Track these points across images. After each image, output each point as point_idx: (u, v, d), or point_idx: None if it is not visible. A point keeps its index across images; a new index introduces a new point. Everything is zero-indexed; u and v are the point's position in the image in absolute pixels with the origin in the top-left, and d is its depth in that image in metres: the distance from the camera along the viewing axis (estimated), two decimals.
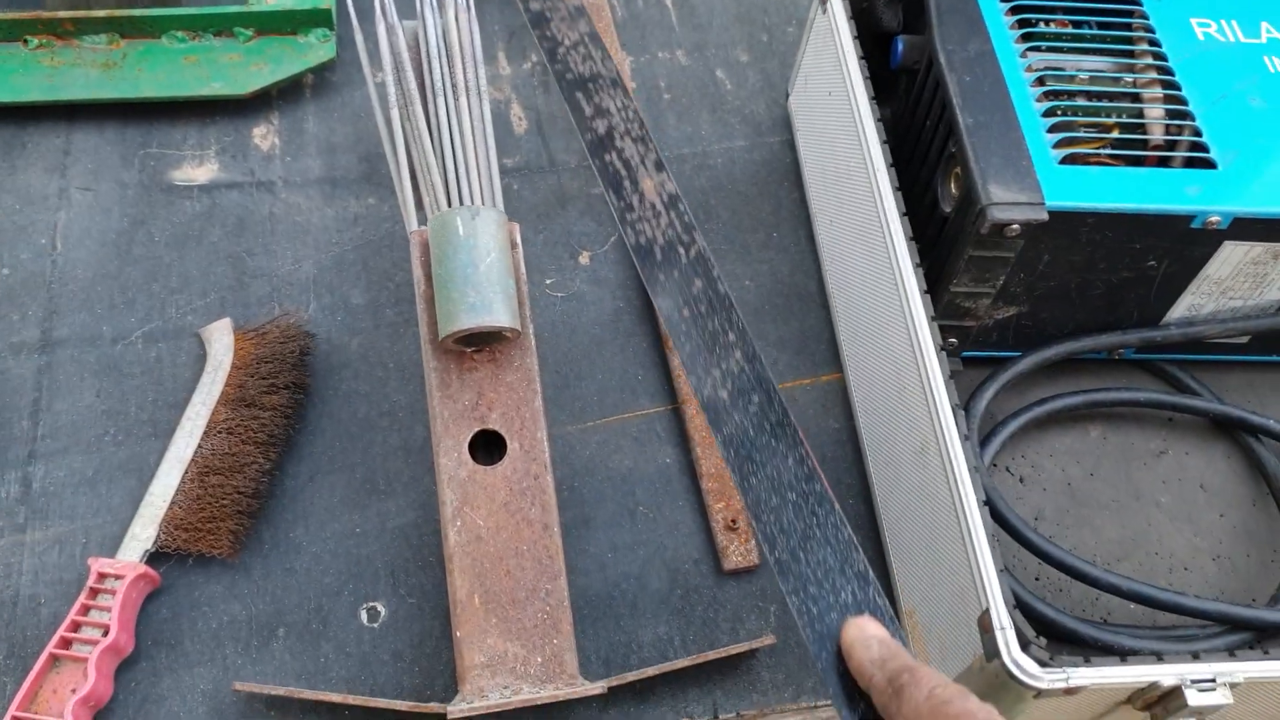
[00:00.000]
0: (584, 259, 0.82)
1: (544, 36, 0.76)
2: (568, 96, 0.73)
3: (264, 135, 0.84)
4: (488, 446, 0.63)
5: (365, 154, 0.84)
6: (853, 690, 0.49)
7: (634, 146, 0.70)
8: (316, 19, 0.85)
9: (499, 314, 0.60)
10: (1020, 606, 0.64)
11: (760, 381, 0.60)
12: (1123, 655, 0.64)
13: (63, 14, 0.82)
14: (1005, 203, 0.64)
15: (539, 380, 0.64)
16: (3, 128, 0.82)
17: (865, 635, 0.49)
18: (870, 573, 0.53)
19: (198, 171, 0.82)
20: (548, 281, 0.81)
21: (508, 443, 0.62)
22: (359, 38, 0.68)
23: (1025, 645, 0.56)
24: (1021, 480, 0.74)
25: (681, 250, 0.65)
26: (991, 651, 0.56)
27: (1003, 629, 0.56)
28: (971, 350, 0.76)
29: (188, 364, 0.73)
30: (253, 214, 0.80)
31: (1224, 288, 0.72)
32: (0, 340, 0.73)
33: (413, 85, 0.69)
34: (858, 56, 0.75)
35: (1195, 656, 0.57)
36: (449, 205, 0.65)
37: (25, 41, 0.83)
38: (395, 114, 0.68)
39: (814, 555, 0.54)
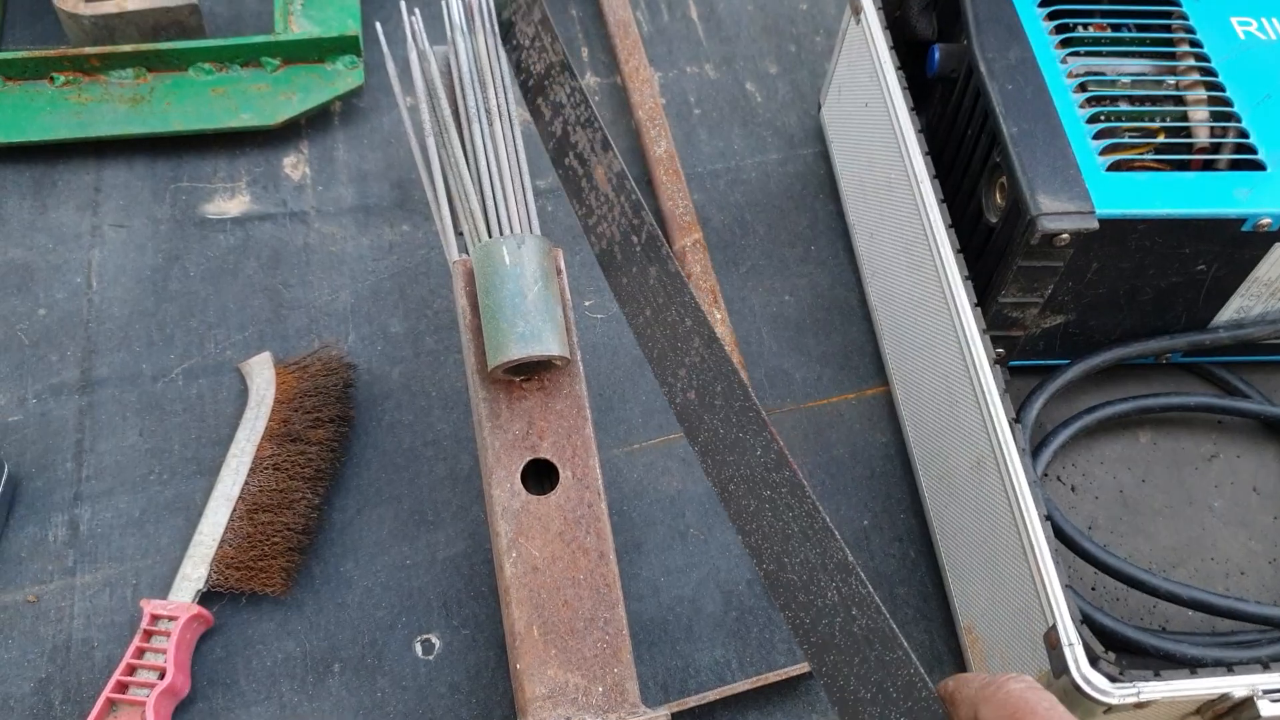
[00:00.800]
0: None
1: (512, 47, 0.73)
2: (531, 105, 0.70)
3: (294, 165, 0.84)
4: (539, 476, 0.63)
5: (397, 181, 0.84)
6: (889, 689, 0.45)
7: (584, 133, 0.66)
8: (344, 46, 0.85)
9: (549, 343, 0.60)
10: (1081, 618, 0.64)
11: (720, 366, 0.55)
12: (1186, 664, 0.63)
13: (88, 50, 0.82)
14: (1055, 212, 0.63)
15: (589, 407, 0.63)
16: (33, 166, 0.82)
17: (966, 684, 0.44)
18: (852, 561, 0.48)
19: (230, 204, 0.81)
20: (587, 303, 0.80)
21: (560, 471, 0.62)
22: (390, 66, 0.68)
23: (1094, 661, 0.55)
24: (1073, 489, 0.74)
25: (635, 239, 0.61)
26: (1060, 668, 0.55)
27: (1070, 645, 0.55)
28: (1018, 359, 0.75)
29: (229, 399, 0.73)
30: (287, 245, 0.80)
31: (1274, 289, 0.71)
32: (40, 382, 0.73)
33: (447, 112, 0.68)
34: (895, 67, 0.74)
35: (1265, 666, 0.57)
36: (488, 233, 0.65)
37: (52, 79, 0.82)
38: (431, 142, 0.68)
39: (796, 556, 0.50)
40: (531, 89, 0.70)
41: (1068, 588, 0.57)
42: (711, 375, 0.55)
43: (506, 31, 0.72)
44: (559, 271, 0.65)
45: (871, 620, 0.47)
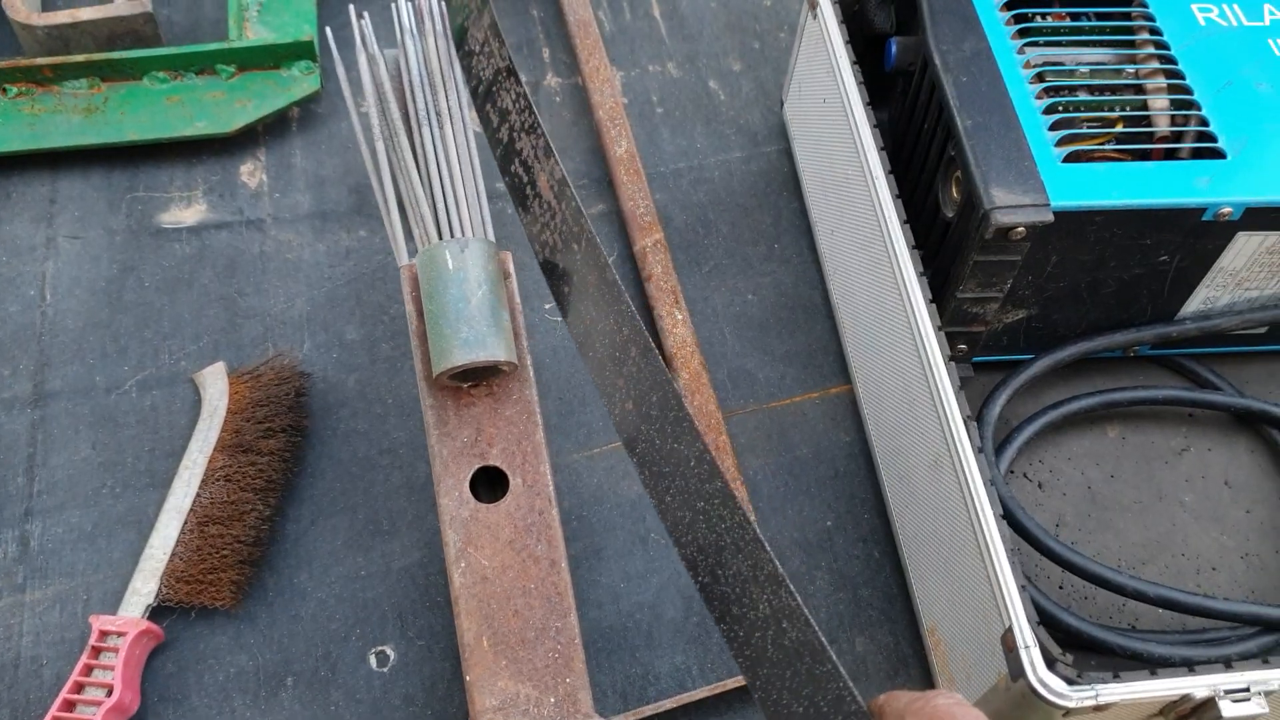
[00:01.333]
0: None
1: (465, 53, 0.71)
2: (480, 112, 0.69)
3: (251, 172, 0.83)
4: (490, 483, 0.62)
5: (354, 185, 0.83)
6: (819, 703, 0.44)
7: (528, 139, 0.64)
8: (299, 51, 0.84)
9: (493, 348, 0.59)
10: (1044, 618, 0.63)
11: (655, 376, 0.53)
12: (1152, 664, 0.62)
13: (41, 60, 0.81)
14: (1008, 205, 0.62)
15: (539, 412, 0.62)
16: None
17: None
18: (781, 573, 0.46)
19: (186, 213, 0.81)
20: (546, 307, 0.79)
21: (510, 478, 0.61)
22: (340, 69, 0.67)
23: (1051, 663, 0.54)
24: (1040, 486, 0.72)
25: (575, 247, 0.59)
26: (1016, 671, 0.54)
27: (1027, 647, 0.54)
28: (982, 355, 0.74)
29: (183, 411, 0.72)
30: (243, 253, 0.79)
31: (1239, 279, 0.70)
32: None
33: (396, 116, 0.67)
34: (850, 62, 0.73)
35: (1228, 665, 0.55)
36: (439, 236, 0.64)
37: (4, 90, 0.82)
38: (380, 146, 0.67)
39: (729, 569, 0.49)
40: (480, 95, 0.68)
41: (1024, 589, 0.55)
42: (648, 385, 0.53)
43: (460, 39, 0.71)
44: (508, 275, 0.64)
45: (801, 633, 0.45)
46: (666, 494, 0.52)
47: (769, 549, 0.47)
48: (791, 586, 0.46)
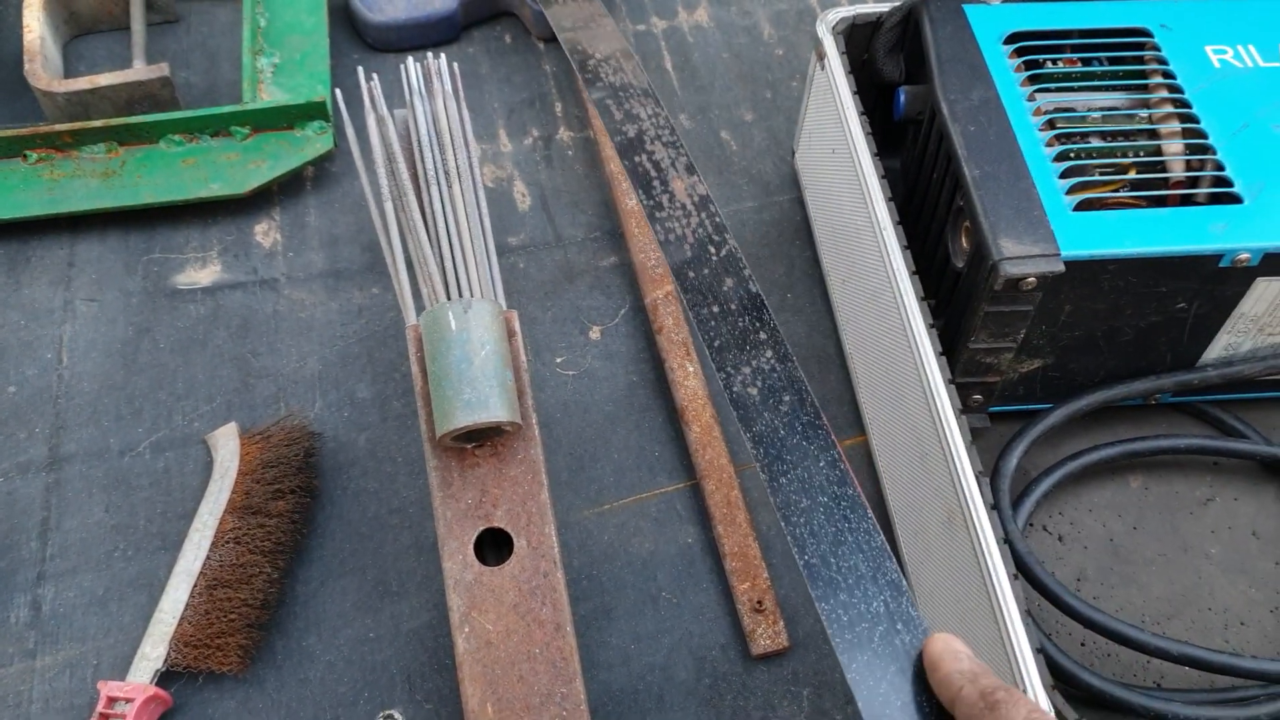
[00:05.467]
0: (594, 334, 0.80)
1: (574, 50, 0.80)
2: (598, 103, 0.75)
3: (266, 232, 0.84)
4: (495, 544, 0.61)
5: (368, 243, 0.83)
6: (922, 703, 0.47)
7: (665, 150, 0.71)
8: (313, 112, 0.85)
9: (495, 409, 0.58)
10: (1064, 677, 0.61)
11: (793, 382, 0.59)
12: None
13: (60, 127, 0.82)
14: (1018, 256, 0.61)
15: (545, 472, 0.61)
16: (7, 244, 0.82)
17: (954, 649, 0.47)
18: (904, 582, 0.51)
19: (201, 274, 0.81)
20: (558, 360, 0.79)
21: (515, 540, 0.60)
22: (350, 131, 0.67)
23: None
24: (1060, 539, 0.71)
25: (712, 249, 0.65)
26: None
27: None
28: (999, 405, 0.72)
29: (195, 472, 0.72)
30: (256, 313, 0.79)
31: (1261, 325, 0.68)
32: (7, 460, 0.72)
33: (405, 175, 0.68)
34: (858, 112, 0.72)
35: None
36: (446, 296, 0.64)
37: (25, 157, 0.83)
38: (389, 206, 0.67)
39: (845, 561, 0.52)
40: (601, 87, 0.76)
41: (1039, 651, 0.54)
42: (781, 385, 0.59)
43: (571, 46, 0.80)
44: (513, 333, 0.64)
45: (913, 638, 0.49)
46: (781, 476, 0.56)
47: (895, 560, 0.52)
48: (913, 597, 0.51)
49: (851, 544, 0.53)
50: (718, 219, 0.66)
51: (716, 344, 0.61)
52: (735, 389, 0.59)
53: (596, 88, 0.76)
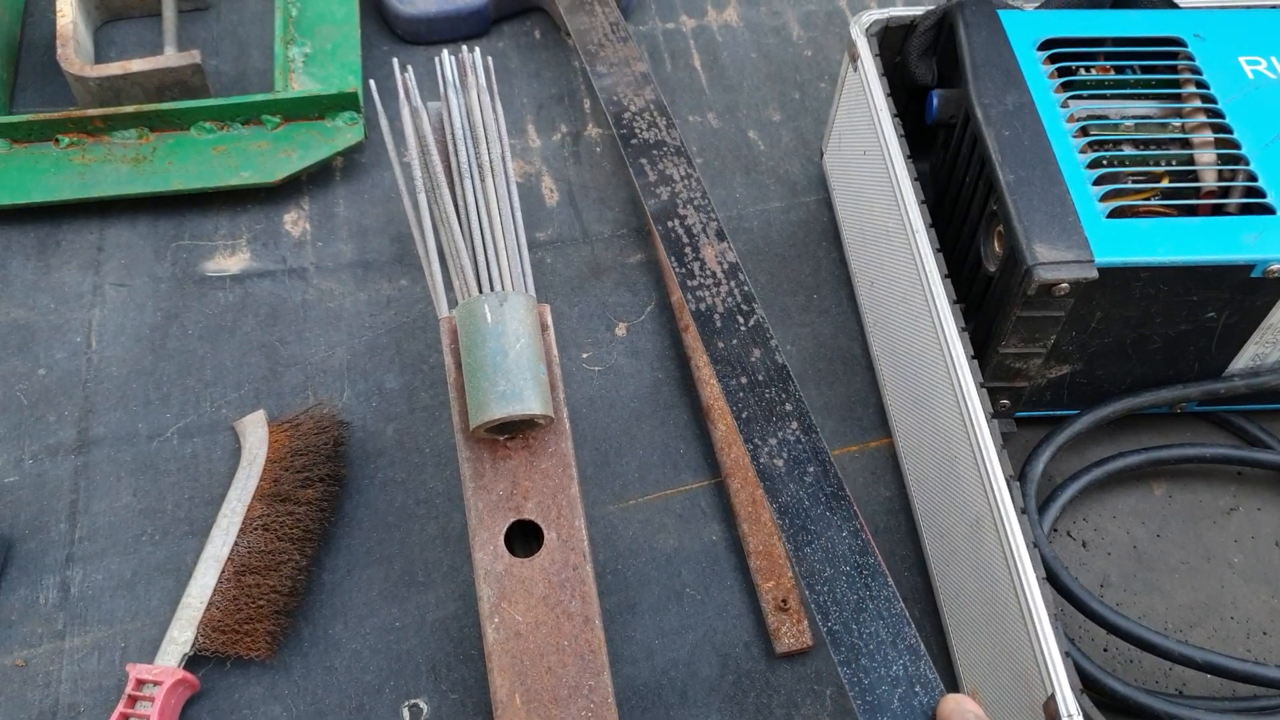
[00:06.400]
0: (620, 330, 0.80)
1: (610, 101, 0.81)
2: (632, 162, 0.77)
3: (295, 221, 0.84)
4: (525, 536, 0.62)
5: (396, 235, 0.84)
6: None
7: (696, 215, 0.73)
8: (343, 103, 0.85)
9: (530, 402, 0.59)
10: (1087, 682, 0.61)
11: (817, 454, 0.61)
12: None
13: (91, 112, 0.82)
14: (1051, 262, 0.61)
15: (575, 465, 0.62)
16: (38, 227, 0.82)
17: (963, 709, 0.50)
18: (921, 646, 0.54)
19: (230, 261, 0.82)
20: (584, 356, 0.79)
21: (545, 533, 0.60)
22: (383, 121, 0.67)
23: None
24: (1084, 545, 0.71)
25: (740, 319, 0.67)
26: None
27: (1070, 716, 0.53)
28: (1026, 410, 0.73)
29: (223, 459, 0.73)
30: (285, 302, 0.80)
31: None
32: (37, 443, 0.73)
33: (439, 168, 0.68)
34: (891, 114, 0.73)
35: None
36: (478, 288, 0.64)
37: (57, 141, 0.83)
38: (422, 198, 0.67)
39: (866, 627, 0.55)
40: (634, 147, 0.78)
41: (1067, 655, 0.54)
42: (805, 456, 0.62)
43: (605, 87, 0.82)
44: (545, 327, 0.64)
45: (930, 699, 0.52)
46: (806, 546, 0.59)
47: (913, 625, 0.55)
48: (931, 660, 0.54)
49: (872, 611, 0.56)
50: (746, 287, 0.69)
51: (744, 415, 0.64)
52: (762, 460, 0.62)
53: (631, 146, 0.78)
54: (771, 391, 0.64)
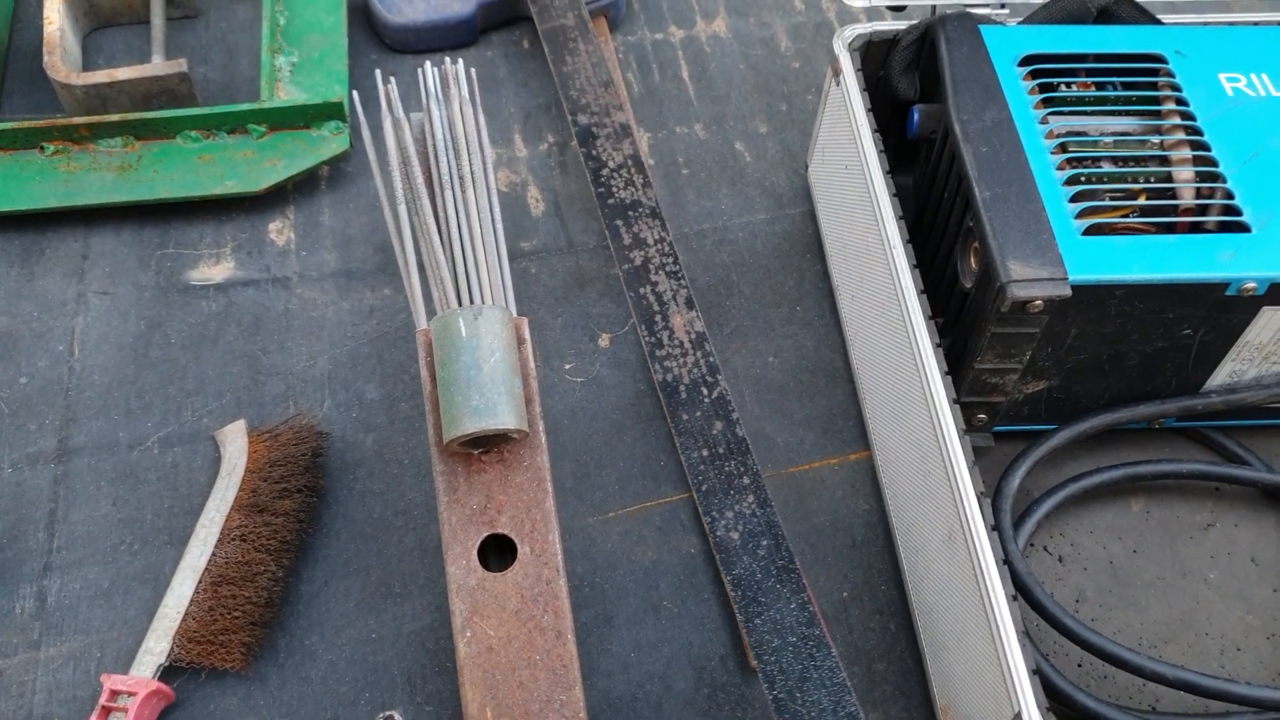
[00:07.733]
0: (604, 341, 0.80)
1: (589, 156, 0.82)
2: (608, 223, 0.79)
3: (279, 230, 0.84)
4: (499, 550, 0.62)
5: (380, 244, 0.84)
6: None
7: (667, 282, 0.75)
8: (329, 112, 0.85)
9: (503, 416, 0.59)
10: (1059, 698, 0.62)
11: (770, 527, 0.65)
12: None
13: (77, 120, 0.83)
14: (1025, 279, 0.61)
15: (550, 479, 0.62)
16: (22, 235, 0.83)
17: None
18: (861, 715, 0.60)
19: (214, 270, 0.82)
20: (566, 366, 0.79)
21: (519, 547, 0.61)
22: (366, 132, 0.68)
23: None
24: (1061, 560, 0.71)
25: (704, 390, 0.69)
26: None
27: None
28: (1003, 425, 0.73)
29: (203, 468, 0.73)
30: (268, 311, 0.80)
31: (1266, 353, 0.68)
32: (17, 451, 0.73)
33: (419, 179, 0.68)
34: (871, 129, 0.73)
35: None
36: (458, 301, 0.64)
37: (42, 148, 0.83)
38: (403, 209, 0.68)
39: (809, 696, 0.58)
40: (611, 207, 0.80)
41: (1035, 673, 0.54)
42: (760, 530, 0.65)
43: (584, 137, 0.83)
44: (523, 341, 0.64)
45: None
46: (757, 617, 0.63)
47: (854, 693, 0.60)
48: None
49: (816, 680, 0.60)
50: (712, 359, 0.71)
51: (704, 488, 0.67)
52: (719, 533, 0.65)
53: (608, 206, 0.79)
54: (731, 465, 0.67)
